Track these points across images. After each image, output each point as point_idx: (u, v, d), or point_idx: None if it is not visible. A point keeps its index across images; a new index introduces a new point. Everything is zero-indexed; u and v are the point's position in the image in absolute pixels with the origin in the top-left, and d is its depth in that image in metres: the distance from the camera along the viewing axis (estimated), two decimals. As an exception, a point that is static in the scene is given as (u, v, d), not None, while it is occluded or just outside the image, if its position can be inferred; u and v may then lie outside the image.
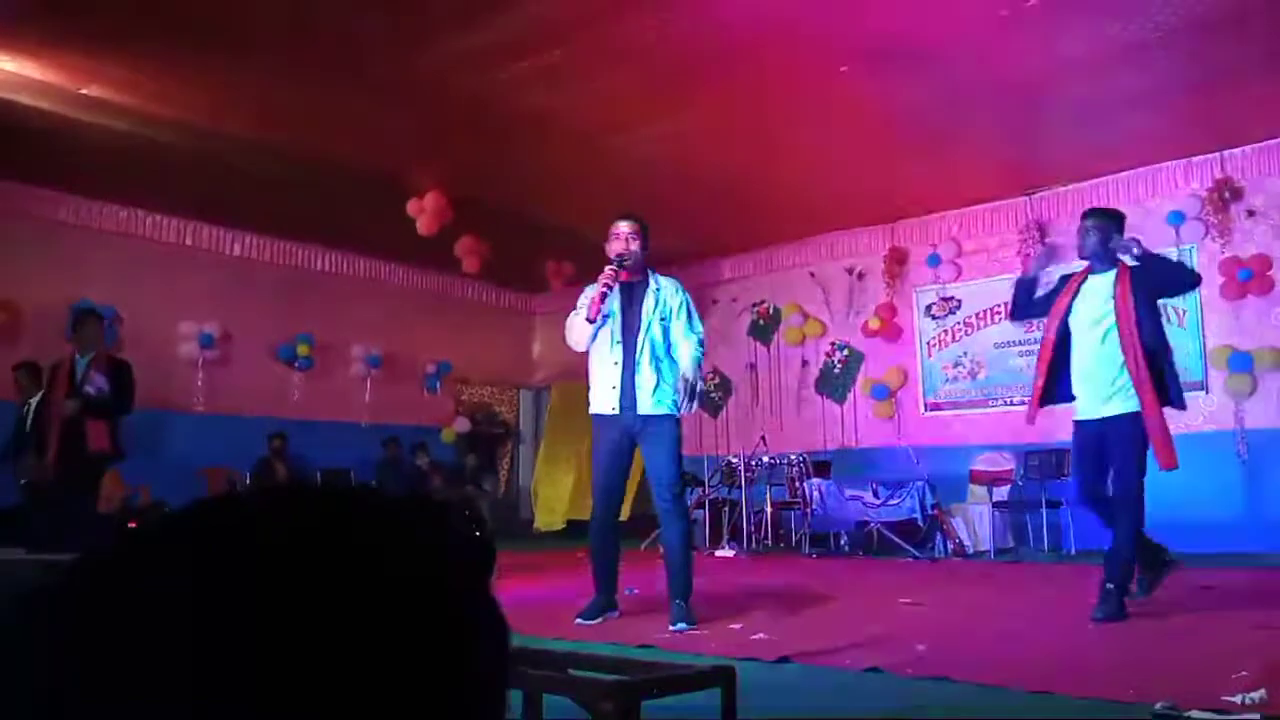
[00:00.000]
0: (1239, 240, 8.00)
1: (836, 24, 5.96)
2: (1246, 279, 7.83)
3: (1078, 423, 4.37)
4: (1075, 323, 4.34)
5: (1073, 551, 7.64)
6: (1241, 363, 7.81)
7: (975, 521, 7.99)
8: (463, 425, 11.12)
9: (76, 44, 6.04)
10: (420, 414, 10.91)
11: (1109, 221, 4.47)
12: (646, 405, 4.06)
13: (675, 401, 4.09)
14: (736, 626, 3.84)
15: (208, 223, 9.47)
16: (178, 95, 6.77)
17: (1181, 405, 4.16)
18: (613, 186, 8.54)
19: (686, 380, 4.06)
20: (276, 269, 9.97)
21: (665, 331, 4.14)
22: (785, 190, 8.85)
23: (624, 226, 4.25)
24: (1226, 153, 8.05)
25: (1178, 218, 8.18)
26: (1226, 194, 8.07)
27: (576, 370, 12.89)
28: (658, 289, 4.22)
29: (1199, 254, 8.13)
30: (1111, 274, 4.29)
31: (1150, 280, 4.21)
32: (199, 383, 9.28)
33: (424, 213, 8.13)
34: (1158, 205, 8.32)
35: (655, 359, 4.10)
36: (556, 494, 10.50)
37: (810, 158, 8.11)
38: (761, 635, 3.58)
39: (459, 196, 8.32)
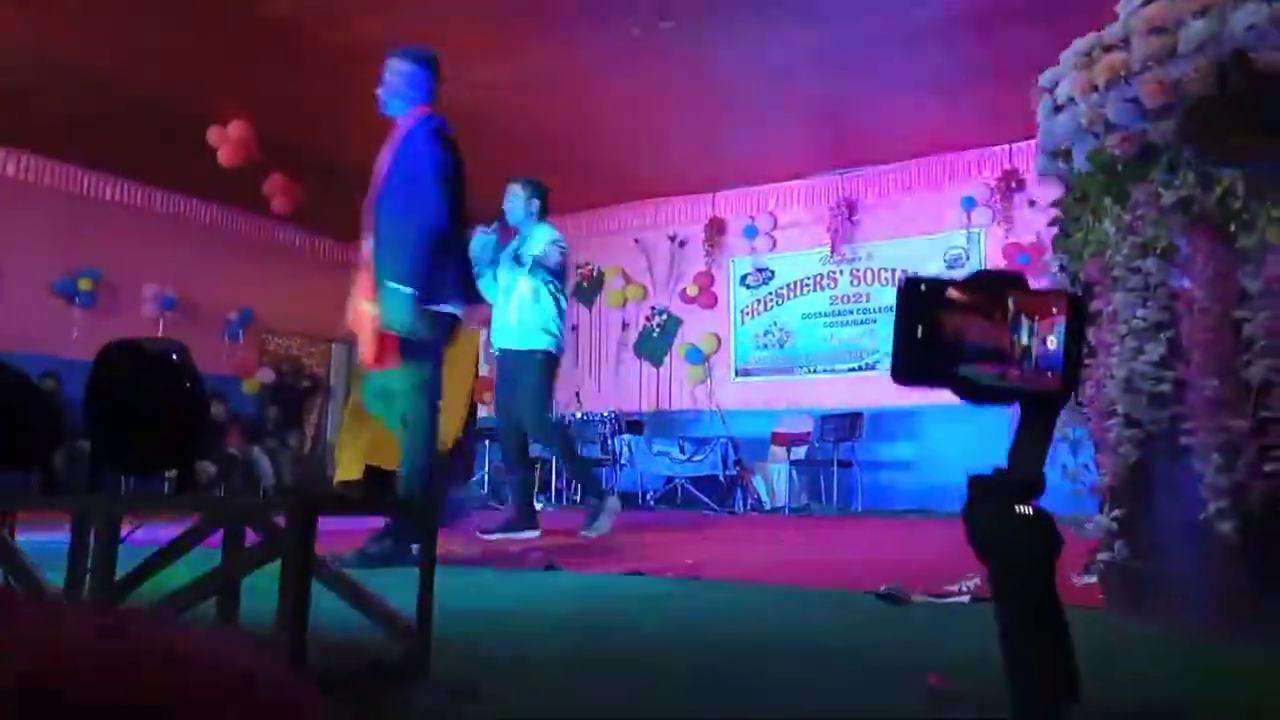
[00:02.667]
0: (1020, 228, 8.68)
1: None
2: (1025, 263, 8.49)
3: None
4: None
5: (859, 508, 8.12)
6: (1016, 339, 8.49)
7: (774, 480, 8.32)
8: (267, 376, 10.56)
9: None
10: (220, 362, 10.27)
11: (412, 64, 3.41)
12: (511, 342, 4.56)
13: (543, 339, 4.50)
14: (515, 550, 3.83)
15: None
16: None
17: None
18: (434, 131, 8.31)
19: (537, 258, 4.51)
20: (58, 195, 9.11)
21: (531, 278, 4.53)
22: (611, 153, 8.88)
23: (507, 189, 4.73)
24: (1014, 146, 8.71)
25: (970, 203, 8.79)
26: (1012, 184, 8.74)
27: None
28: (525, 238, 4.63)
29: (986, 237, 8.78)
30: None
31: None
32: (-42, 314, 8.37)
33: (226, 141, 7.62)
34: (953, 190, 8.91)
35: (520, 304, 4.53)
36: (356, 445, 10.11)
37: (638, 119, 8.16)
38: (537, 553, 3.58)
39: (270, 131, 7.84)
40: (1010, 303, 0.74)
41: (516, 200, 4.66)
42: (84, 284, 9.09)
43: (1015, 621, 0.72)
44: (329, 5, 6.25)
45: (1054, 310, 0.74)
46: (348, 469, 11.35)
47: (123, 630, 0.47)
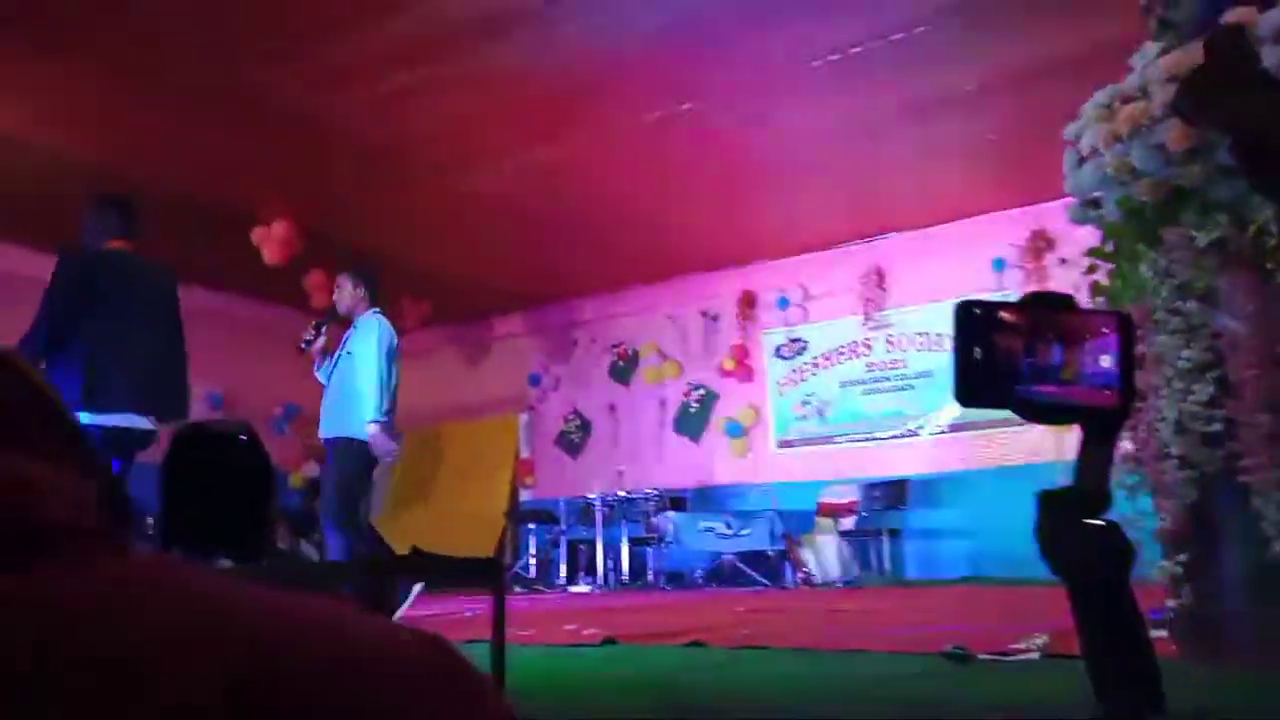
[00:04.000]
0: (1053, 286, 8.67)
1: (680, 63, 6.24)
2: (1061, 320, 8.47)
3: None
4: None
5: (913, 577, 7.95)
6: (1059, 397, 8.39)
7: (823, 552, 8.19)
8: (312, 470, 10.67)
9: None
10: (266, 458, 10.40)
11: (96, 204, 4.22)
12: (327, 430, 4.56)
13: (357, 426, 4.44)
14: (570, 627, 3.80)
15: (19, 246, 8.82)
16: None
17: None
18: (470, 222, 8.57)
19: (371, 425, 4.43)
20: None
21: (350, 369, 4.58)
22: (641, 233, 9.04)
23: None
24: (1042, 206, 8.75)
25: (1000, 264, 8.81)
26: (1041, 244, 8.77)
27: (430, 415, 12.61)
28: (353, 332, 4.70)
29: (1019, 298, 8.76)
30: None
31: None
32: None
33: (270, 241, 7.89)
34: (984, 252, 8.94)
35: (338, 393, 4.59)
36: (400, 530, 10.12)
37: (664, 198, 8.34)
38: (593, 630, 3.55)
39: (310, 227, 8.13)
40: (1062, 323, 0.77)
41: (344, 292, 4.79)
42: (135, 387, 9.33)
43: (1095, 633, 0.74)
44: (371, 102, 6.52)
45: (1104, 330, 0.77)
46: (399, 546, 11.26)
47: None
